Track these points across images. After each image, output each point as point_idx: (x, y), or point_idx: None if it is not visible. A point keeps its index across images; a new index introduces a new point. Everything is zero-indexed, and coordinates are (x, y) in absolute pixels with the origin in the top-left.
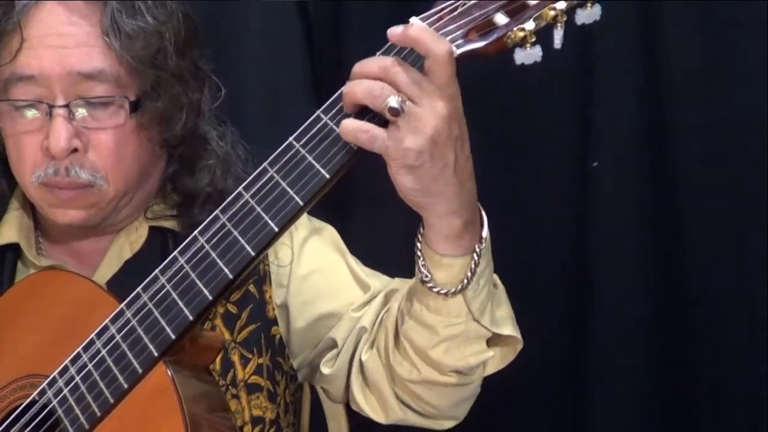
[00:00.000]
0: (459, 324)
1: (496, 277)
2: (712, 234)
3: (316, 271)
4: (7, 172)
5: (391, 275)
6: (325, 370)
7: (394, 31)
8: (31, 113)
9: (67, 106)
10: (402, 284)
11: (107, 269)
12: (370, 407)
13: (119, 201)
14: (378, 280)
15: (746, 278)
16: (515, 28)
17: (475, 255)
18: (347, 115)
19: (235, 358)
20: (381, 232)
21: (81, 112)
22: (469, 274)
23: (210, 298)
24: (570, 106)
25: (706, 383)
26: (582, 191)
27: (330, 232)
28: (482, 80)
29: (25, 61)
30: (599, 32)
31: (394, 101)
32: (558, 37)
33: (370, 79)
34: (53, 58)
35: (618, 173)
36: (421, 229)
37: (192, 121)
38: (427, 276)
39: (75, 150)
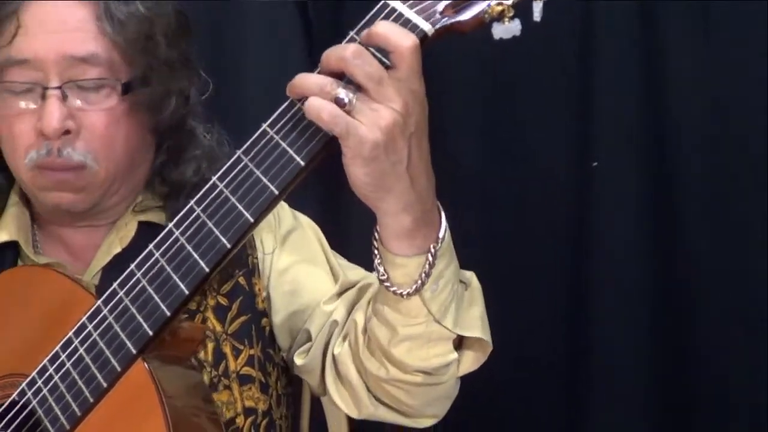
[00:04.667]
0: (419, 324)
1: (471, 275)
2: (712, 234)
3: (297, 264)
4: (4, 168)
5: None
6: (298, 361)
7: (363, 33)
8: (26, 98)
9: (60, 87)
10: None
11: (99, 264)
12: (343, 401)
13: (109, 186)
14: (353, 273)
15: (746, 278)
16: (493, 3)
17: (429, 255)
18: None
19: (227, 350)
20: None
21: (74, 94)
22: (424, 275)
23: (186, 292)
24: (570, 105)
25: (706, 383)
26: (582, 191)
27: (312, 226)
28: (482, 80)
29: (21, 45)
30: (599, 31)
31: (342, 93)
32: (537, 10)
33: (329, 72)
34: (48, 42)
35: (618, 173)
36: (377, 227)
37: (180, 109)
38: (383, 275)
39: (68, 132)
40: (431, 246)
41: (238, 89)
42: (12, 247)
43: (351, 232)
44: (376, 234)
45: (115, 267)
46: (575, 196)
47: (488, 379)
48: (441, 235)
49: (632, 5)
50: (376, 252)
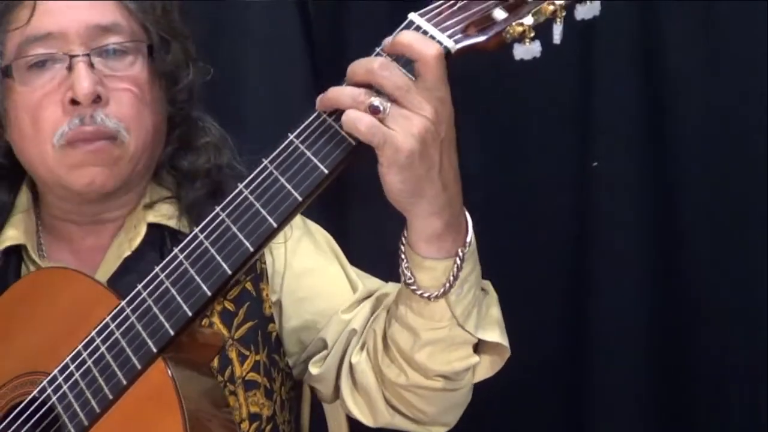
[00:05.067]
0: (442, 329)
1: (488, 283)
2: (712, 234)
3: (310, 270)
4: (5, 179)
5: (390, 275)
6: (313, 370)
7: (387, 41)
8: (51, 71)
9: (88, 54)
10: (394, 288)
11: (107, 268)
12: (358, 410)
13: (137, 163)
14: (370, 282)
15: (746, 278)
16: (514, 23)
17: (458, 259)
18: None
19: (233, 355)
20: (380, 232)
21: (99, 63)
22: (452, 278)
23: (209, 294)
24: (570, 106)
25: (706, 383)
26: (582, 191)
27: (323, 234)
28: (482, 80)
29: (41, 21)
30: (599, 32)
31: (376, 101)
32: (557, 32)
33: (357, 84)
34: (70, 14)
35: (618, 173)
36: (405, 231)
37: (193, 85)
38: (410, 278)
39: (98, 98)
40: (459, 249)
41: (238, 89)
42: (18, 251)
43: (354, 238)
44: (403, 238)
45: (125, 270)
46: (575, 196)
47: (488, 379)
48: (468, 239)
49: (632, 5)
50: (403, 256)
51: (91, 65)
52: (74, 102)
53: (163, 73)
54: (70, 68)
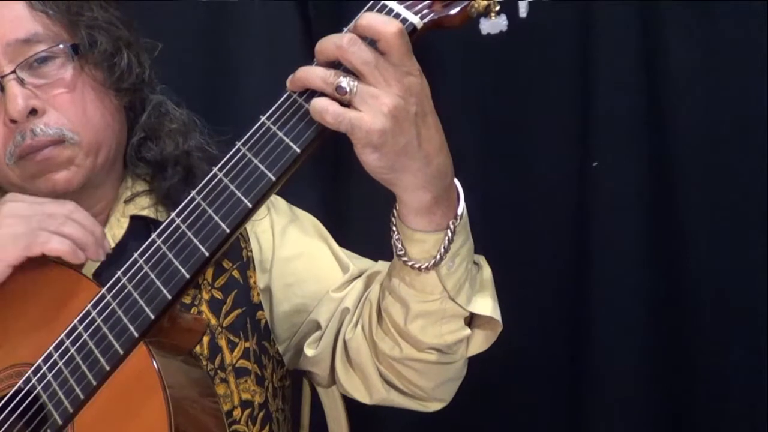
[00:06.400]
0: (434, 301)
1: (482, 258)
2: (712, 234)
3: (298, 255)
4: None
5: (387, 257)
6: (308, 351)
7: (350, 26)
8: None
9: (14, 71)
10: (385, 266)
11: (94, 263)
12: (354, 388)
13: (96, 157)
14: (361, 263)
15: (746, 278)
16: None
17: (449, 231)
18: (315, 93)
19: (222, 343)
20: (377, 213)
21: (30, 76)
22: (443, 250)
23: (187, 276)
24: (570, 105)
25: (706, 383)
26: (582, 191)
27: (310, 219)
28: (483, 80)
29: None
30: (599, 32)
31: (344, 82)
32: (523, 6)
33: (326, 64)
34: None
35: (618, 173)
36: (397, 204)
37: (136, 67)
38: (401, 250)
39: (35, 111)
40: (450, 222)
41: (238, 89)
42: None
43: (351, 224)
44: (394, 210)
45: (111, 263)
46: (575, 197)
47: (487, 378)
48: (459, 212)
49: (632, 5)
50: (394, 228)
51: (21, 81)
52: (13, 120)
53: (96, 66)
54: (2, 89)
